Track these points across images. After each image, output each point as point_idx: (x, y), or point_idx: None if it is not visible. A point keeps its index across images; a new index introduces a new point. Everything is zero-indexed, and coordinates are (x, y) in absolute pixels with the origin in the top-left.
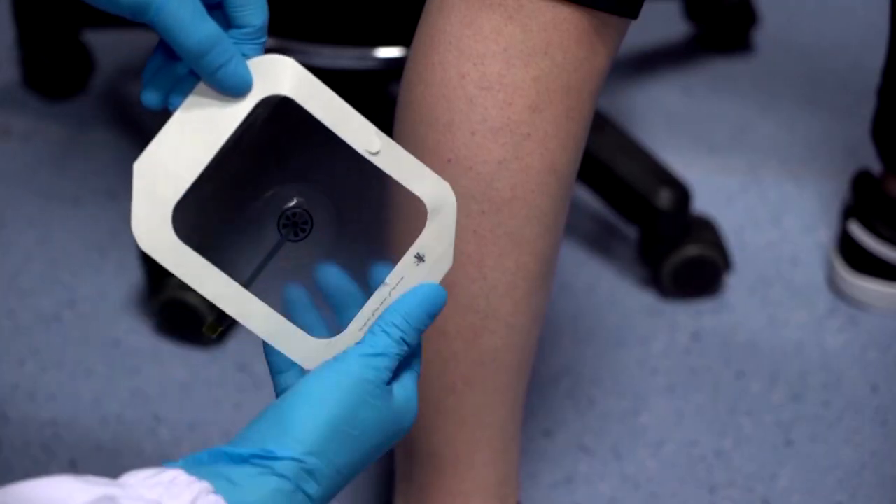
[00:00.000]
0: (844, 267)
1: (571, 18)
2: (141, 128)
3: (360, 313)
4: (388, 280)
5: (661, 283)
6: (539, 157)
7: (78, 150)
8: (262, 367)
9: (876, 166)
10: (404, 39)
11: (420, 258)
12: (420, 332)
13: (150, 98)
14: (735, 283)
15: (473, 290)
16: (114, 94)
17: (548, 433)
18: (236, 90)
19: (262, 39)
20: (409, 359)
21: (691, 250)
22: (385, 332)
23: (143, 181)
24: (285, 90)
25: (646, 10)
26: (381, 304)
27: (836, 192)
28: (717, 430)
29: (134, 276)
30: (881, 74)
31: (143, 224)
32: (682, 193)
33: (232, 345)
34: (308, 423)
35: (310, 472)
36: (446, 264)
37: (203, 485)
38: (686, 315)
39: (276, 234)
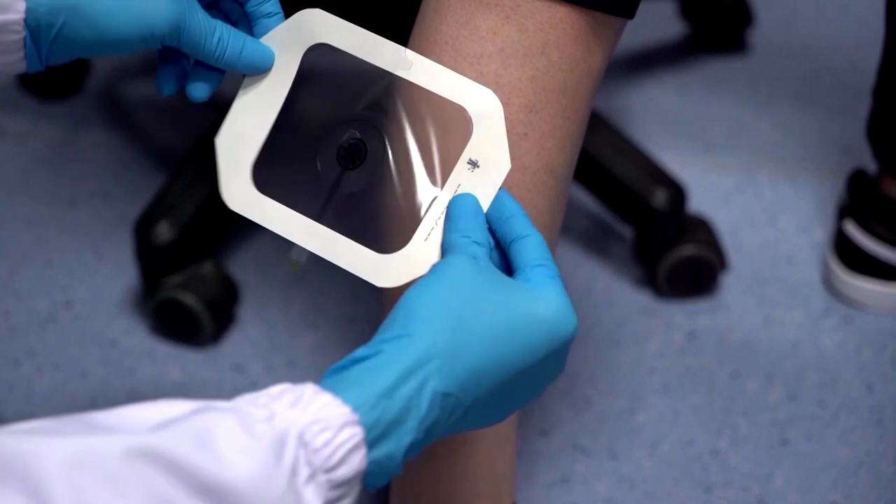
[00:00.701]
0: (840, 266)
1: (568, 18)
2: (136, 128)
3: (421, 224)
4: (444, 188)
5: (656, 283)
6: (536, 156)
7: (73, 150)
8: (257, 368)
9: (871, 166)
10: (400, 39)
11: (474, 163)
12: (481, 227)
13: (168, 88)
14: (731, 283)
15: None
16: (109, 94)
17: (544, 433)
18: (262, 66)
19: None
20: (535, 265)
21: (687, 250)
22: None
23: (223, 152)
24: (320, 38)
25: (641, 9)
26: (442, 212)
27: (831, 191)
28: (713, 430)
29: (129, 276)
30: (876, 74)
31: (230, 188)
32: (677, 193)
33: (227, 345)
34: (419, 312)
35: (431, 360)
36: (504, 167)
37: (307, 386)
38: (682, 315)
39: (336, 167)
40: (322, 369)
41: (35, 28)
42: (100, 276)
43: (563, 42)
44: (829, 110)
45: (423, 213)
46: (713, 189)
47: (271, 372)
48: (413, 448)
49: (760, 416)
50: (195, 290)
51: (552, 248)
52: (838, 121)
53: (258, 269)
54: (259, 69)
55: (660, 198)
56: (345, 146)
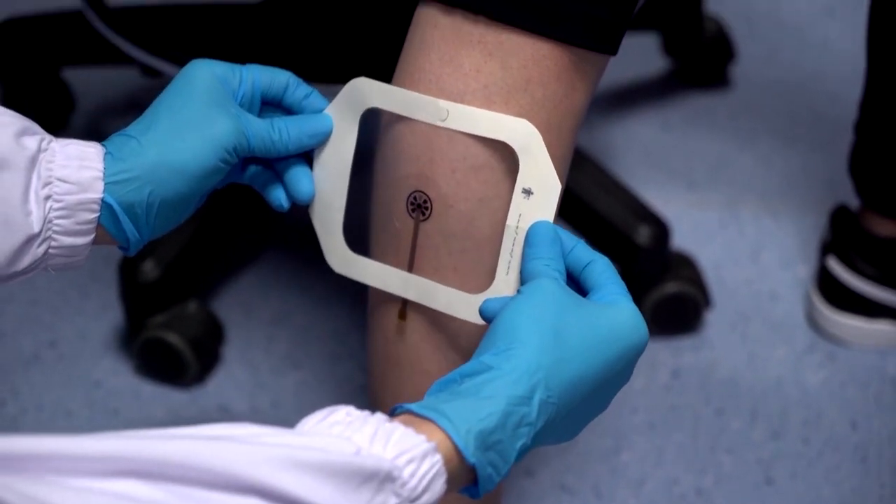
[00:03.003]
0: (823, 303)
1: (551, 55)
2: None
3: (500, 260)
4: (508, 221)
5: None
6: None
7: None
8: (242, 407)
9: (854, 201)
10: (384, 76)
11: (528, 192)
12: (559, 253)
13: (281, 200)
14: (714, 320)
15: (454, 328)
16: (94, 131)
17: (529, 472)
18: (323, 132)
19: (322, 105)
20: (608, 284)
21: (671, 287)
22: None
23: (317, 220)
24: (370, 103)
25: (624, 45)
26: (513, 244)
27: (814, 226)
28: (698, 468)
29: (114, 316)
30: (858, 108)
31: (330, 253)
32: (661, 230)
33: (212, 385)
34: (521, 330)
35: (539, 371)
36: (556, 188)
37: (377, 416)
38: (666, 352)
39: (410, 219)
40: (307, 409)
41: (127, 205)
42: (84, 316)
43: (547, 79)
44: (812, 145)
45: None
46: (696, 225)
47: (256, 412)
48: (522, 452)
49: (745, 454)
50: (180, 330)
51: None
52: (821, 156)
53: (242, 309)
54: (321, 135)
55: (643, 235)
56: (410, 200)
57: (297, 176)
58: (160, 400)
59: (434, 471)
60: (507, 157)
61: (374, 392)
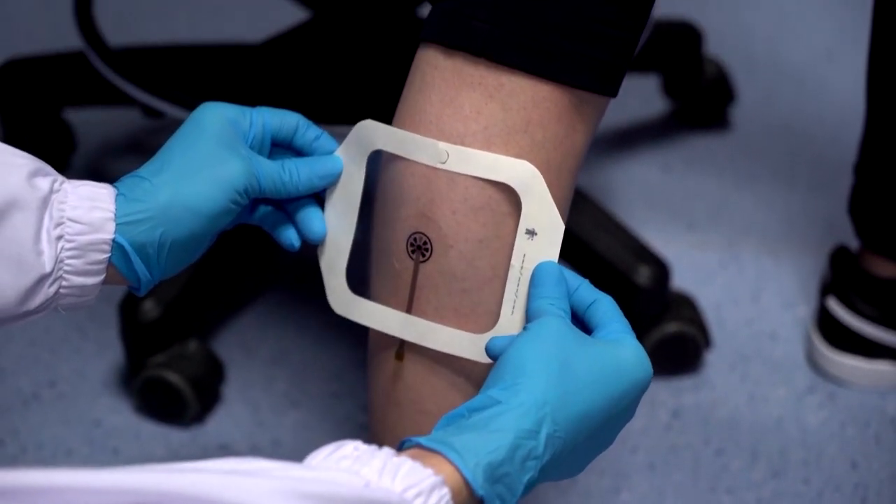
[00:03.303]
0: (823, 343)
1: (551, 97)
2: None
3: (504, 300)
4: (513, 262)
5: None
6: None
7: None
8: (242, 447)
9: (853, 242)
10: (385, 118)
11: (531, 232)
12: (564, 293)
13: (292, 240)
14: (715, 360)
15: (455, 368)
16: (95, 172)
17: None
18: (333, 173)
19: (332, 147)
20: (612, 322)
21: (671, 327)
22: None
23: (324, 261)
24: (375, 145)
25: (624, 86)
26: (518, 284)
27: (814, 267)
28: None
29: (114, 355)
30: (858, 150)
31: (333, 294)
32: (661, 271)
33: (212, 424)
34: (528, 365)
35: (546, 405)
36: (559, 228)
37: (385, 450)
38: (666, 392)
39: (409, 260)
40: (307, 448)
41: (139, 245)
42: (84, 355)
43: (547, 120)
44: (812, 187)
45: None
46: (696, 266)
47: (256, 451)
48: (529, 486)
49: (745, 494)
50: (180, 369)
51: None
52: (820, 197)
53: (242, 348)
54: (331, 177)
55: (643, 275)
56: (410, 241)
57: (309, 216)
58: (160, 439)
59: (444, 501)
60: (507, 198)
61: (374, 431)
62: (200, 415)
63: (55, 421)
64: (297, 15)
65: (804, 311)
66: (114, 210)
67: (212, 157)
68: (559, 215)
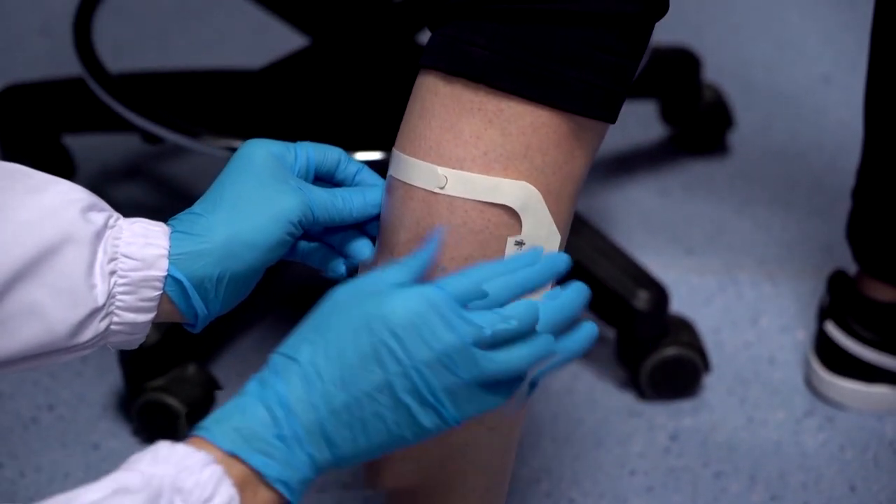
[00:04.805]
0: (821, 367)
1: (551, 122)
2: None
3: None
4: None
5: (639, 384)
6: None
7: None
8: None
9: (851, 267)
10: (385, 144)
11: (520, 244)
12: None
13: (339, 268)
14: (713, 384)
15: None
16: None
17: None
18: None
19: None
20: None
21: (669, 351)
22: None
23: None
24: (391, 171)
25: (623, 112)
26: None
27: (812, 291)
28: None
29: (113, 379)
30: (856, 175)
31: None
32: (659, 295)
33: None
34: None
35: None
36: (556, 239)
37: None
38: (665, 415)
39: None
40: None
41: (198, 281)
42: (83, 378)
43: (546, 146)
44: (810, 212)
45: None
46: (695, 290)
47: None
48: (324, 461)
49: None
50: (178, 393)
51: None
52: (818, 222)
53: (241, 372)
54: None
55: (642, 299)
56: None
57: (356, 239)
58: None
59: (216, 477)
60: (507, 220)
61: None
62: None
63: (54, 444)
64: (297, 41)
65: (802, 335)
66: (167, 247)
67: (265, 191)
68: (556, 229)
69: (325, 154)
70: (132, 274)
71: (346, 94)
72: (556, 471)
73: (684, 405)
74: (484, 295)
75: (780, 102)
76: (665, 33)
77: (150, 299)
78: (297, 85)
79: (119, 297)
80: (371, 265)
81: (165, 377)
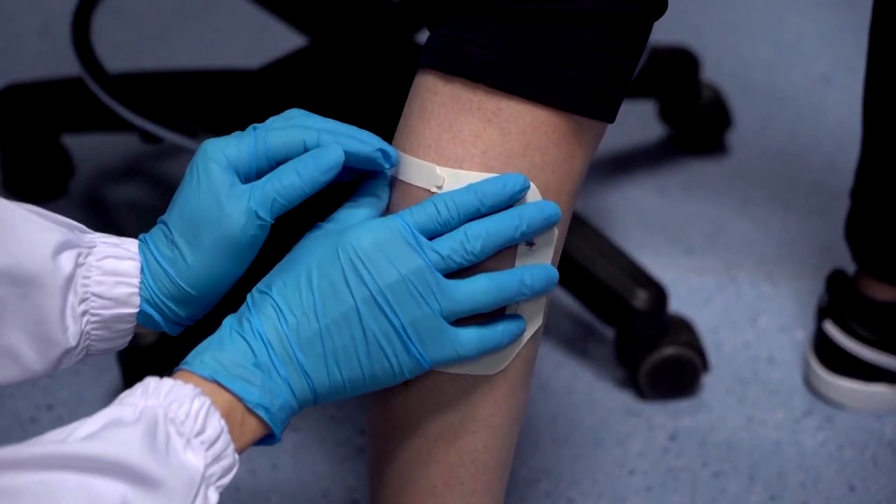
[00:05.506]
0: (820, 367)
1: (549, 122)
2: (120, 232)
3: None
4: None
5: (638, 384)
6: None
7: None
8: (239, 470)
9: (850, 266)
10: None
11: (530, 244)
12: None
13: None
14: (712, 383)
15: (454, 391)
16: (93, 197)
17: None
18: (333, 162)
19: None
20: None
21: (668, 351)
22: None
23: None
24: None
25: (621, 112)
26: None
27: (811, 291)
28: None
29: (112, 379)
30: (854, 175)
31: None
32: (658, 294)
33: None
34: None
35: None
36: (553, 238)
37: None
38: (664, 415)
39: None
40: (305, 471)
41: (171, 311)
42: (82, 378)
43: (545, 145)
44: (808, 211)
45: None
46: (694, 289)
47: (254, 474)
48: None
49: None
50: None
51: (534, 349)
52: (817, 222)
53: None
54: (334, 168)
55: (641, 299)
56: None
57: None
58: None
59: (205, 408)
60: None
61: (373, 455)
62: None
63: None
64: (296, 41)
65: (801, 334)
66: (138, 283)
67: (216, 215)
68: (554, 227)
69: (286, 143)
70: (104, 312)
71: (344, 94)
72: (555, 470)
73: (683, 405)
74: (448, 223)
75: (779, 102)
76: (664, 33)
77: (124, 331)
78: (296, 85)
79: (92, 332)
80: None
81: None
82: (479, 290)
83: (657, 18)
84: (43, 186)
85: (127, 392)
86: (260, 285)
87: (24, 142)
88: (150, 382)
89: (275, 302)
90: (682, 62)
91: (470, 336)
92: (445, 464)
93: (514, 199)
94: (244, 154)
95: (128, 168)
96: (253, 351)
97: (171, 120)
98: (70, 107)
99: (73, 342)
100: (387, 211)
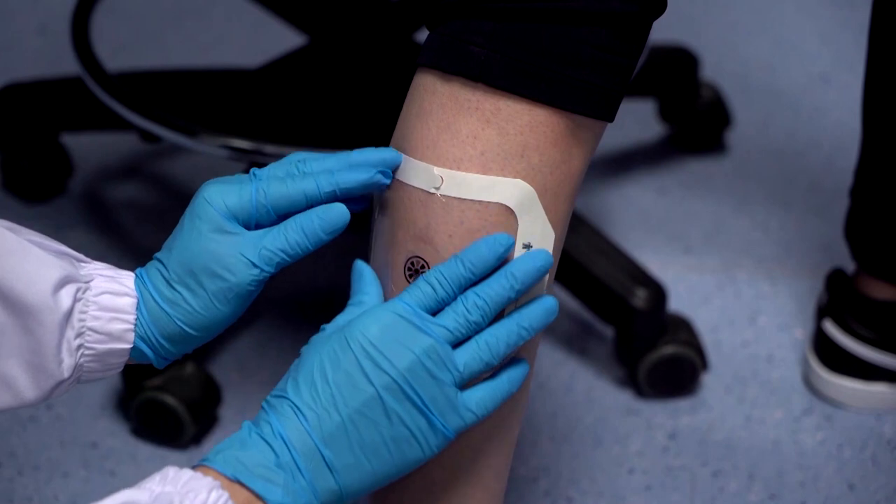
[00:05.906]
0: (819, 365)
1: (548, 122)
2: (119, 230)
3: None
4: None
5: (637, 383)
6: None
7: None
8: None
9: (849, 265)
10: (382, 143)
11: (528, 247)
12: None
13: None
14: (711, 382)
15: None
16: (92, 196)
17: None
18: (336, 223)
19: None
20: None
21: (667, 350)
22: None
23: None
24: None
25: (620, 111)
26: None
27: (810, 290)
28: None
29: (111, 378)
30: (853, 174)
31: None
32: (657, 293)
33: (209, 446)
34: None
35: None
36: (550, 237)
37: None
38: (663, 414)
39: (406, 284)
40: None
41: (165, 350)
42: None
43: (544, 145)
44: (808, 210)
45: None
46: (693, 288)
47: None
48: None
49: None
50: (177, 392)
51: (534, 348)
52: (816, 220)
53: (240, 370)
54: (337, 229)
55: (640, 298)
56: (408, 265)
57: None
58: (157, 461)
59: (222, 500)
60: (504, 220)
61: None
62: (197, 437)
63: (52, 443)
64: (295, 40)
65: (801, 333)
66: (133, 320)
67: (219, 266)
68: (550, 226)
69: (289, 198)
70: (98, 346)
71: (343, 93)
72: (555, 469)
73: (682, 404)
74: (445, 298)
75: (779, 101)
76: (663, 32)
77: (116, 365)
78: (295, 84)
79: (86, 365)
80: (370, 265)
81: (163, 376)
82: (482, 349)
83: (656, 17)
84: (42, 185)
85: (147, 479)
86: (274, 391)
87: (24, 141)
88: (170, 471)
89: (292, 402)
90: (682, 61)
91: (482, 396)
92: (444, 463)
93: (501, 260)
94: (245, 203)
95: (127, 167)
96: (275, 451)
97: (170, 119)
98: (69, 106)
99: (66, 374)
100: (384, 208)
